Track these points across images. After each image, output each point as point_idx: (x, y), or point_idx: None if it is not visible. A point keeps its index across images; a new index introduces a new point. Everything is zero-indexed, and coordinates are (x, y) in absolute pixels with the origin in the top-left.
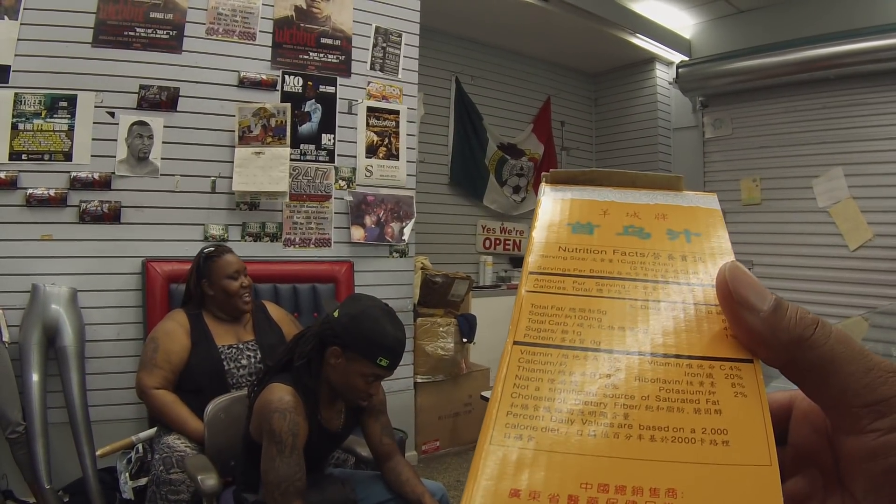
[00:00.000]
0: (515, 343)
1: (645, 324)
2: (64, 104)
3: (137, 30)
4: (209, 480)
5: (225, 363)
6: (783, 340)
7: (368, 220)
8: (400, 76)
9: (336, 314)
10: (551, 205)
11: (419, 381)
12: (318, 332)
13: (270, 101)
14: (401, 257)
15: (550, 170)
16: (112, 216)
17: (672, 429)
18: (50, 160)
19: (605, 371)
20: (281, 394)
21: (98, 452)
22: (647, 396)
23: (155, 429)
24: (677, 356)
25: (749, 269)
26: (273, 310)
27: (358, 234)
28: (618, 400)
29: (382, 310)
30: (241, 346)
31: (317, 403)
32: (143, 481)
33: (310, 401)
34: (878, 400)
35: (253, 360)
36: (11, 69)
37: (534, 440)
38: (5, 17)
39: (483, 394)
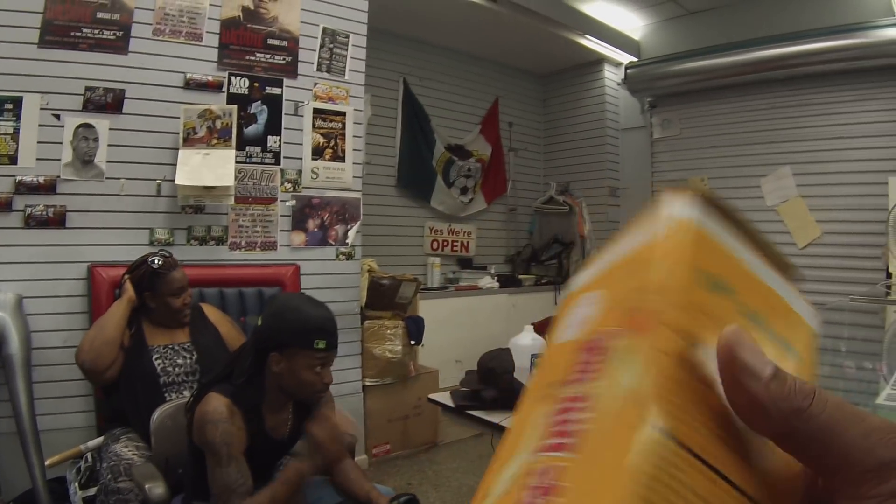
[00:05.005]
0: None
1: None
2: (9, 106)
3: (84, 30)
4: (157, 489)
5: (159, 362)
6: (783, 410)
7: (311, 224)
8: (347, 77)
9: (259, 322)
10: (691, 235)
11: (368, 384)
12: (251, 346)
13: (216, 102)
14: (347, 260)
15: (702, 190)
16: (57, 221)
17: None
18: None
19: None
20: (215, 404)
21: (47, 462)
22: None
23: (103, 437)
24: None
25: None
26: (210, 311)
27: (298, 239)
28: None
29: (299, 298)
30: (176, 346)
31: (260, 413)
32: (92, 491)
33: (251, 410)
34: (877, 465)
35: (189, 360)
36: None
37: None
38: None
39: (431, 396)
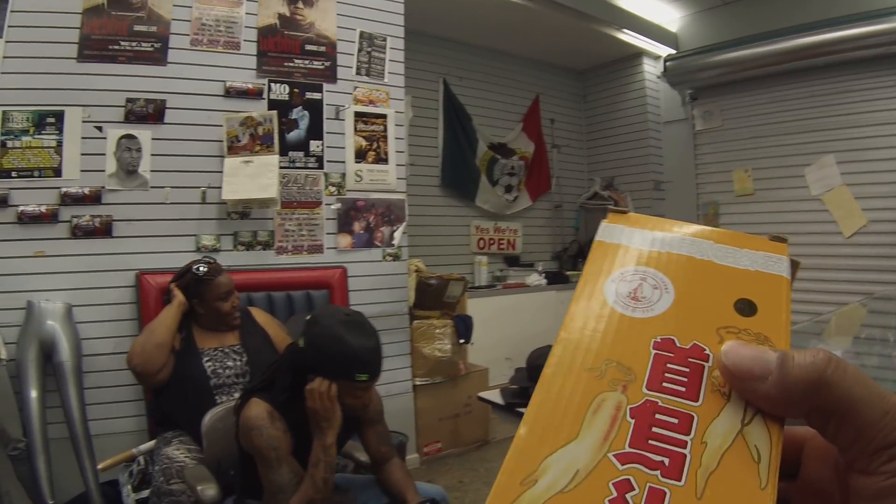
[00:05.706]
0: None
1: None
2: (52, 120)
3: (122, 43)
4: (209, 491)
5: (209, 364)
6: (801, 390)
7: (357, 227)
8: (386, 80)
9: (301, 343)
10: (787, 295)
11: (418, 383)
12: (291, 365)
13: (257, 109)
14: (394, 261)
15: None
16: (104, 230)
17: None
18: (40, 177)
19: None
20: (257, 410)
21: (99, 466)
22: None
23: (154, 441)
24: None
25: None
26: (257, 314)
27: (345, 241)
28: None
29: (343, 323)
30: (226, 349)
31: (306, 423)
32: (145, 493)
33: (296, 414)
34: (890, 444)
35: (239, 362)
36: None
37: None
38: None
39: (480, 394)
